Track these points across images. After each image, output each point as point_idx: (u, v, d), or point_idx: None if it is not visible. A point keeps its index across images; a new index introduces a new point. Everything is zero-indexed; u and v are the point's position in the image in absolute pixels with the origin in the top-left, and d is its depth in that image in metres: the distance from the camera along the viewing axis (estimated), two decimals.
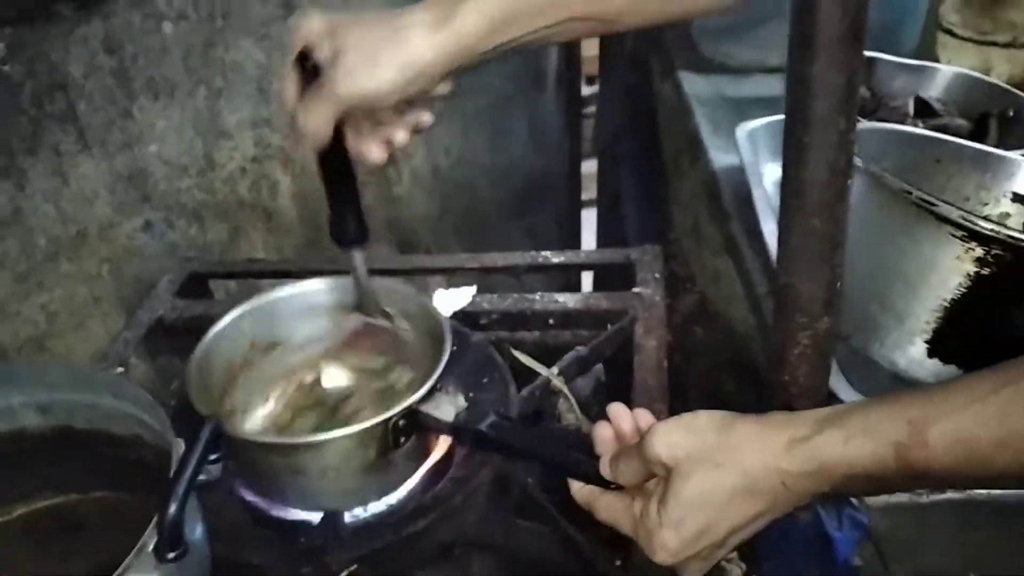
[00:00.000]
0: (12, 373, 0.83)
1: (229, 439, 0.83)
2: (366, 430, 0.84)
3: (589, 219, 2.39)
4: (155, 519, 0.61)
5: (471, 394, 0.88)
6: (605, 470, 0.75)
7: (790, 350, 0.69)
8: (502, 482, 0.93)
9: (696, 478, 0.67)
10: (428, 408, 0.87)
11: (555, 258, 1.24)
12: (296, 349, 1.01)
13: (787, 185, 0.61)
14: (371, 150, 0.81)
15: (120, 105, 1.25)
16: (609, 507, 0.74)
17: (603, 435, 0.78)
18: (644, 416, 0.78)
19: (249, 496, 0.93)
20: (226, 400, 0.98)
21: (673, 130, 1.56)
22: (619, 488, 0.75)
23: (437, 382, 0.88)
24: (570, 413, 1.05)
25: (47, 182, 1.19)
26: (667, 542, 0.68)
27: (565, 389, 1.04)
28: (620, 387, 1.08)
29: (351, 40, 0.72)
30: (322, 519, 0.90)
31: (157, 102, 1.29)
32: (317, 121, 0.74)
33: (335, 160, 0.82)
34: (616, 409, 0.80)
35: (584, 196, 2.44)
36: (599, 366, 1.17)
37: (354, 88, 0.73)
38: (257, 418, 1.01)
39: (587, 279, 1.95)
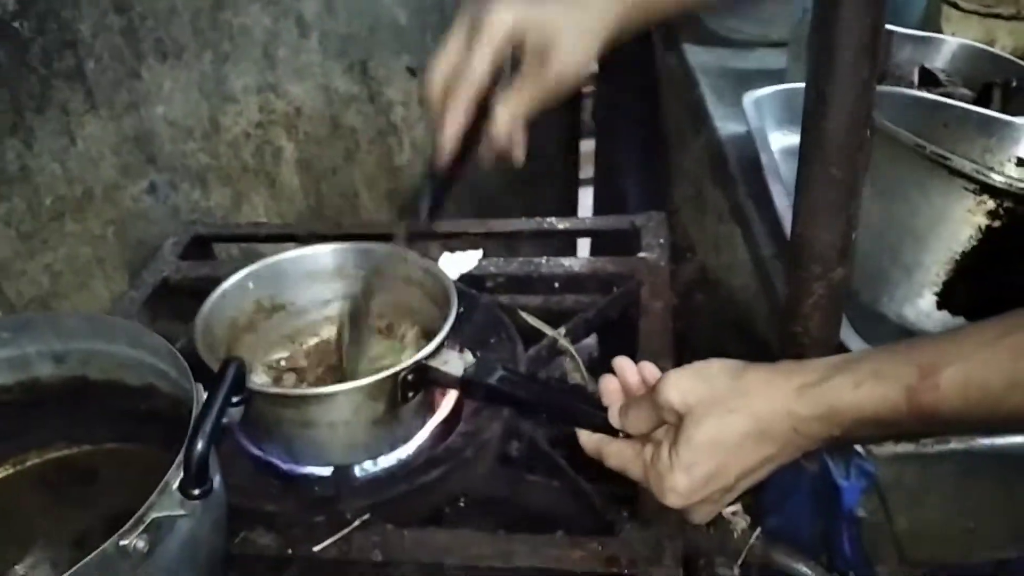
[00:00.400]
0: (28, 322, 0.83)
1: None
2: (375, 383, 0.85)
3: (586, 198, 2.40)
4: (181, 455, 0.62)
5: (479, 352, 0.89)
6: (614, 419, 0.76)
7: (804, 300, 0.70)
8: (510, 436, 0.95)
9: (708, 423, 0.68)
10: (437, 363, 0.87)
11: (559, 224, 1.25)
12: (301, 312, 1.01)
13: (808, 135, 0.62)
14: (520, 149, 0.79)
15: (128, 65, 1.24)
16: (619, 454, 0.75)
17: (609, 387, 0.78)
18: (649, 368, 0.79)
19: (259, 451, 0.94)
20: None
21: (676, 101, 1.57)
22: (628, 437, 0.76)
23: (445, 339, 0.89)
24: (575, 372, 1.06)
25: (55, 141, 1.19)
26: (678, 484, 0.69)
27: (572, 349, 1.05)
28: (623, 351, 1.10)
29: (558, 23, 0.72)
30: (333, 471, 0.91)
31: (164, 64, 1.29)
32: (519, 112, 0.74)
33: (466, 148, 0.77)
34: (621, 362, 0.81)
35: (582, 175, 2.44)
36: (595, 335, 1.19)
37: (571, 71, 0.73)
38: (261, 379, 1.02)
39: (583, 250, 1.96)
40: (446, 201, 0.86)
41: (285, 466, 0.93)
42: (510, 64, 0.75)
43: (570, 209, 2.31)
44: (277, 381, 0.98)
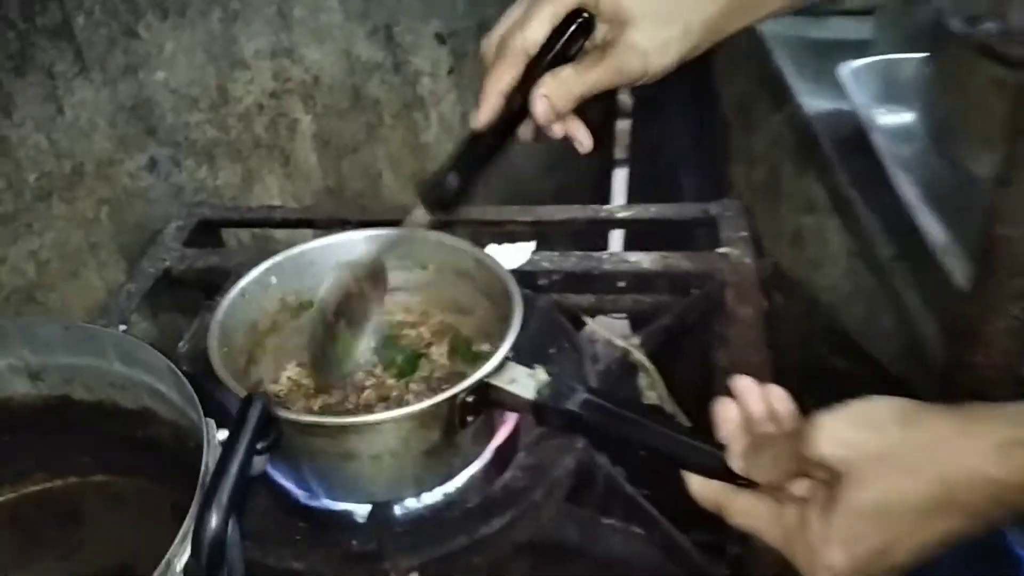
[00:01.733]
0: None
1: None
2: (429, 408, 0.69)
3: (619, 179, 2.23)
4: (186, 527, 0.46)
5: (553, 369, 0.73)
6: (736, 463, 0.60)
7: (992, 322, 0.54)
8: (583, 471, 0.79)
9: (877, 485, 0.53)
10: (502, 382, 0.72)
11: (621, 212, 1.09)
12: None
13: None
14: (583, 133, 0.70)
15: (123, 22, 1.08)
16: (749, 511, 0.60)
17: (727, 417, 0.64)
18: (778, 395, 0.64)
19: (283, 481, 0.78)
20: (251, 370, 0.83)
21: (741, 75, 1.40)
22: (749, 484, 0.60)
23: (511, 350, 0.73)
24: (651, 391, 0.90)
25: (38, 109, 1.03)
26: (835, 562, 0.54)
27: (648, 364, 0.89)
28: (685, 368, 0.94)
29: (637, 10, 0.63)
30: (371, 512, 0.75)
31: (166, 22, 1.12)
32: (567, 88, 0.64)
33: (503, 129, 0.67)
34: (743, 384, 0.65)
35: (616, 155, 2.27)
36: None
37: (637, 66, 0.64)
38: (289, 393, 0.86)
39: (614, 243, 1.78)
40: (475, 182, 0.71)
41: (314, 502, 0.78)
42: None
43: (602, 196, 2.14)
44: (307, 397, 0.82)
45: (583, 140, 0.69)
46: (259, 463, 0.52)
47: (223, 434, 0.54)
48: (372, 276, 0.80)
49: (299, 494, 0.79)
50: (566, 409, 0.68)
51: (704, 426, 0.86)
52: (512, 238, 1.06)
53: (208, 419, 0.56)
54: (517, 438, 0.82)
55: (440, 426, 0.71)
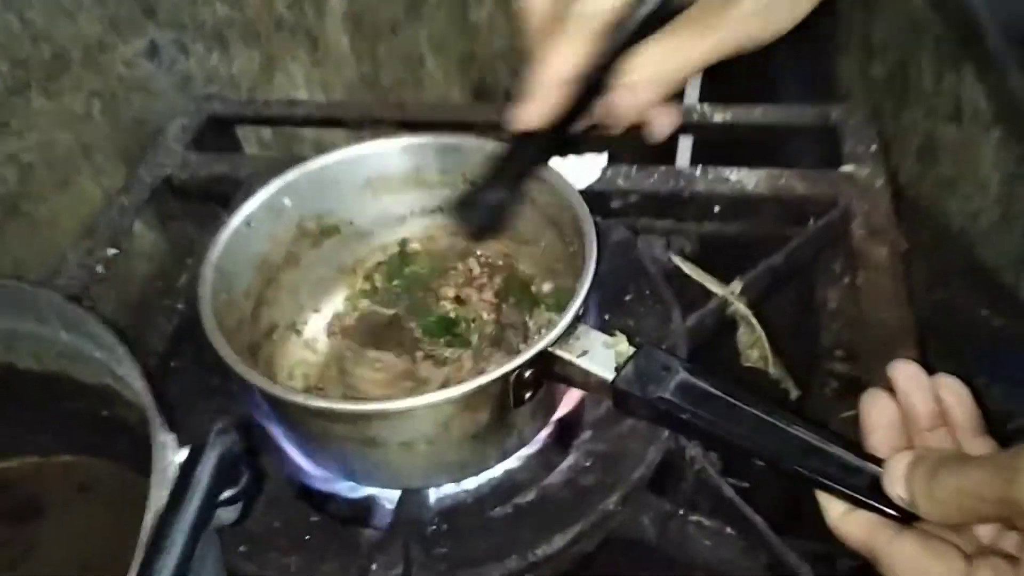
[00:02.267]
0: None
1: (269, 398, 0.52)
2: (476, 390, 0.52)
3: None
4: None
5: (637, 338, 0.55)
6: (897, 487, 0.44)
7: None
8: (664, 460, 0.62)
9: None
10: (571, 353, 0.54)
11: (716, 115, 0.87)
12: (363, 237, 0.73)
13: None
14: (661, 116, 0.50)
15: None
16: (917, 565, 0.43)
17: (880, 418, 0.47)
18: (952, 388, 0.47)
19: (295, 462, 0.63)
20: (262, 314, 0.67)
21: None
22: (909, 519, 0.44)
23: (582, 309, 0.55)
24: (752, 349, 0.72)
25: None
26: None
27: (751, 317, 0.71)
28: (815, 324, 0.75)
29: None
30: (400, 501, 0.60)
31: None
32: (668, 77, 0.47)
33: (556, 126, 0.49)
34: (906, 371, 0.48)
35: None
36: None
37: (759, 23, 0.47)
38: (308, 343, 0.70)
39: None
40: (519, 196, 0.55)
41: (329, 487, 0.63)
42: None
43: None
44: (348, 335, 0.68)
45: (660, 129, 0.50)
46: (228, 515, 0.36)
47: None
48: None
49: (313, 474, 0.64)
50: (658, 398, 0.51)
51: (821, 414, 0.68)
52: (573, 147, 0.86)
53: (169, 433, 0.40)
54: (583, 410, 0.66)
55: (489, 408, 0.55)
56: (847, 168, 0.79)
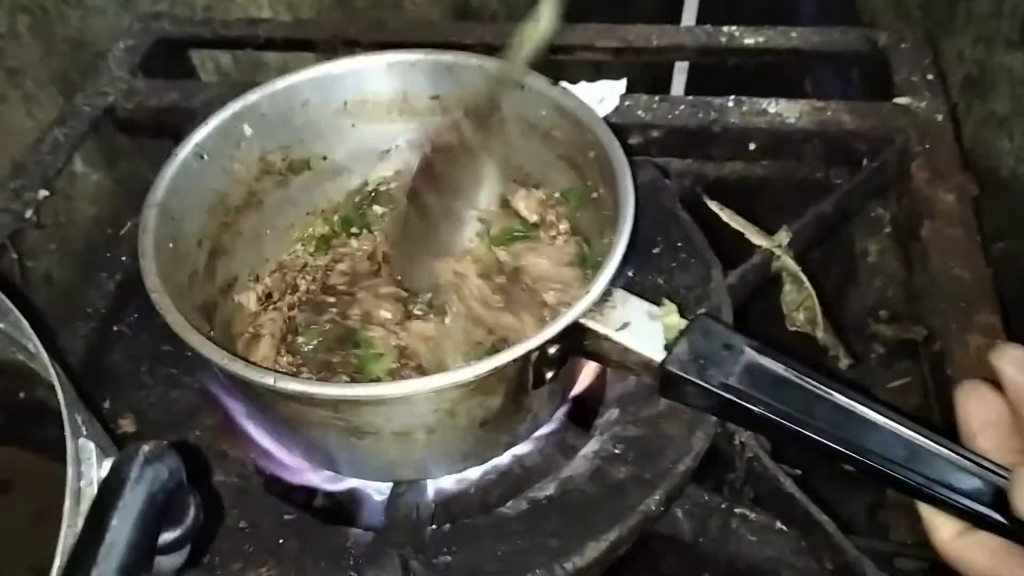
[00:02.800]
0: None
1: (233, 379, 0.42)
2: (492, 375, 0.42)
3: None
4: None
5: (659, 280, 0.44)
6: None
7: None
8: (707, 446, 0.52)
9: None
10: (607, 326, 0.44)
11: (746, 38, 0.76)
12: (339, 175, 0.62)
13: None
14: None
15: None
16: None
17: (987, 414, 0.40)
18: None
19: (263, 448, 0.53)
20: (218, 266, 0.56)
21: None
22: None
23: (618, 271, 0.44)
24: (799, 311, 0.62)
25: None
26: None
27: (800, 273, 0.60)
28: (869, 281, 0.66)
29: None
30: (392, 495, 0.50)
31: None
32: None
33: None
34: (1015, 356, 0.39)
35: None
36: None
37: None
38: (274, 300, 0.58)
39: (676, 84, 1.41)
40: None
41: (307, 477, 0.52)
42: None
43: (671, 12, 1.76)
44: (313, 308, 0.57)
45: None
46: (171, 562, 0.25)
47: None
48: (479, 121, 0.53)
49: (287, 463, 0.53)
50: (721, 385, 0.41)
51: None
52: (587, 73, 0.75)
53: (83, 441, 0.28)
54: (604, 382, 0.56)
55: (503, 391, 0.45)
56: (902, 100, 0.68)
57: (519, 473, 0.54)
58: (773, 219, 0.66)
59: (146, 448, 0.26)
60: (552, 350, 0.44)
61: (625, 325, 0.44)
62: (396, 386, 0.42)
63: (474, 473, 0.54)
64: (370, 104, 0.59)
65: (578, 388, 0.55)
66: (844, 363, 0.62)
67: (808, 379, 0.40)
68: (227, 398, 0.54)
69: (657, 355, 0.43)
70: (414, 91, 0.59)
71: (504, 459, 0.54)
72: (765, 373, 0.41)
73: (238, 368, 0.42)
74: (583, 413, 0.56)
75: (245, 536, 0.49)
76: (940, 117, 0.67)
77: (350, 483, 0.53)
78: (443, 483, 0.53)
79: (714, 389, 0.41)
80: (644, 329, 0.44)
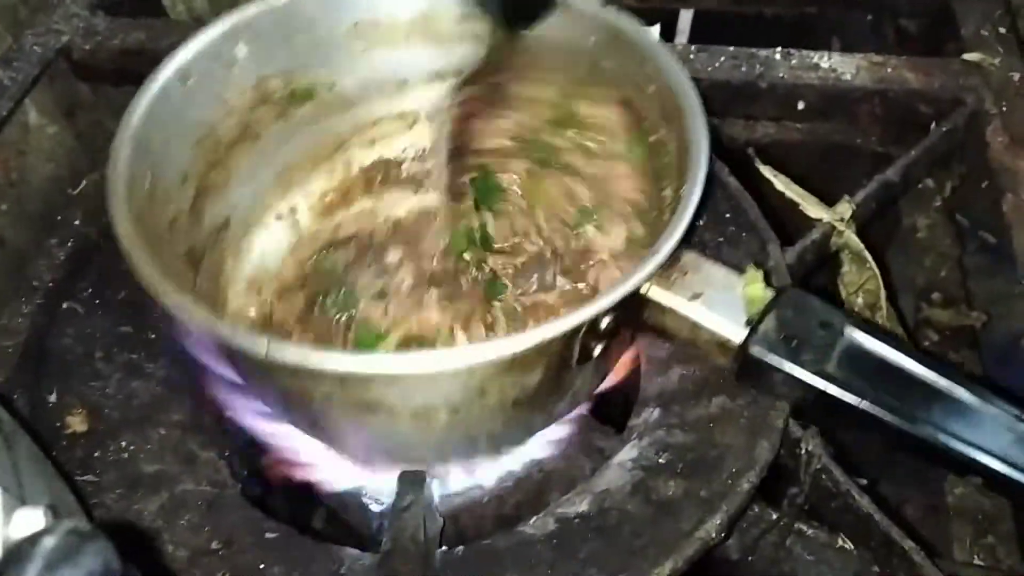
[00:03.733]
0: None
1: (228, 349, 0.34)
2: (534, 349, 0.34)
3: None
4: None
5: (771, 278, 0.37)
6: None
7: None
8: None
9: None
10: (676, 296, 0.36)
11: None
12: (348, 107, 0.54)
13: None
14: None
15: None
16: None
17: None
18: None
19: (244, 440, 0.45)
20: (205, 207, 0.48)
21: None
22: None
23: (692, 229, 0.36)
24: (858, 294, 0.54)
25: None
26: None
27: (865, 252, 0.52)
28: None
29: None
30: (395, 507, 0.42)
31: None
32: None
33: None
34: None
35: None
36: None
37: None
38: (274, 255, 0.50)
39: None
40: None
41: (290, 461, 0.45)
42: None
43: None
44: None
45: None
46: None
47: None
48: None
49: (271, 459, 0.45)
50: (819, 373, 0.33)
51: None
52: None
53: None
54: (638, 369, 0.48)
55: (543, 367, 0.37)
56: (972, 56, 0.60)
57: (539, 480, 0.47)
58: (823, 189, 0.59)
59: (51, 541, 0.17)
60: (606, 321, 0.36)
61: (697, 295, 0.36)
62: (421, 359, 0.34)
63: (487, 479, 0.46)
64: (386, 26, 0.51)
65: (610, 380, 0.47)
66: None
67: (925, 367, 0.33)
68: (211, 369, 0.46)
69: (737, 333, 0.35)
70: (437, 11, 0.51)
71: (515, 465, 0.46)
72: (870, 359, 0.33)
73: (227, 334, 0.33)
74: (612, 410, 0.48)
75: (219, 560, 0.40)
76: (1017, 76, 0.59)
77: (344, 486, 0.45)
78: (452, 490, 0.45)
79: (808, 377, 0.33)
80: (721, 301, 0.36)
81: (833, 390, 0.33)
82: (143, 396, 0.47)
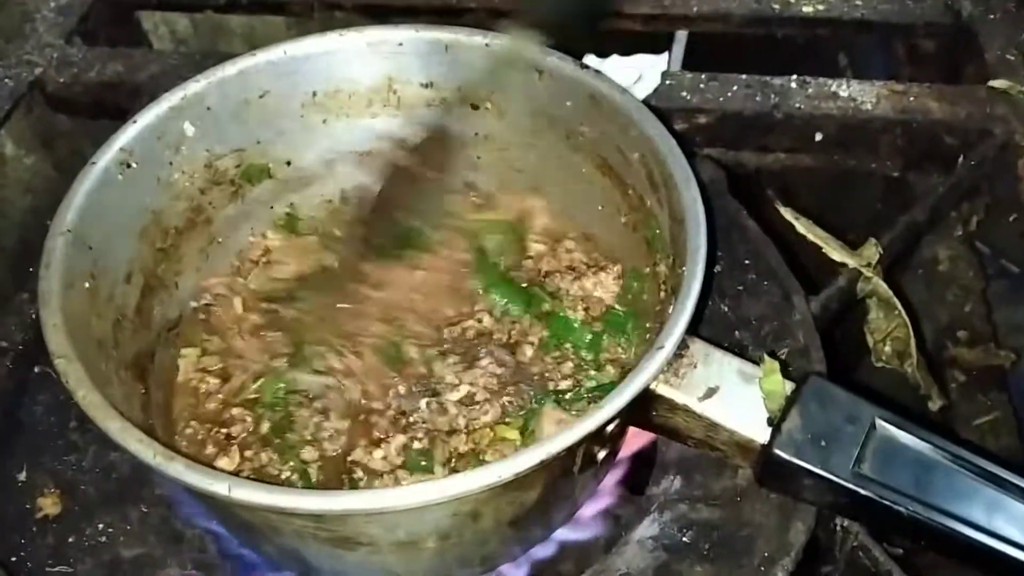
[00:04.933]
0: None
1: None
2: (536, 470, 0.31)
3: None
4: None
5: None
6: None
7: None
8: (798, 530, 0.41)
9: None
10: (687, 394, 0.33)
11: (804, 5, 0.65)
12: (306, 184, 0.50)
13: None
14: None
15: None
16: None
17: None
18: None
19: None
20: (153, 304, 0.45)
21: None
22: None
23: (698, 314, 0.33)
24: (886, 342, 0.51)
25: None
26: None
27: (894, 298, 0.49)
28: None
29: None
30: None
31: None
32: None
33: None
34: None
35: None
36: None
37: None
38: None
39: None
40: None
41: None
42: None
43: None
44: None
45: None
46: None
47: None
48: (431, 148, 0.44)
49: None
50: (854, 476, 0.30)
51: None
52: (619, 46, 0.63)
53: None
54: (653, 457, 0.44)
55: (542, 483, 0.34)
56: (999, 83, 0.57)
57: (551, 556, 0.43)
58: (841, 227, 0.55)
59: None
60: (611, 427, 0.32)
61: (712, 391, 0.33)
62: (403, 493, 0.30)
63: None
64: (345, 95, 0.48)
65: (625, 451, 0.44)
66: (936, 404, 0.52)
67: (967, 462, 0.29)
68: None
69: (760, 433, 0.31)
70: (402, 77, 0.48)
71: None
72: (907, 454, 0.30)
73: (181, 473, 0.30)
74: (630, 473, 0.45)
75: None
76: None
77: None
78: None
79: (843, 482, 0.30)
80: (737, 396, 0.33)
81: (872, 496, 0.29)
82: (122, 469, 0.44)
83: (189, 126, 0.44)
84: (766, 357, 0.34)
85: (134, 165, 0.42)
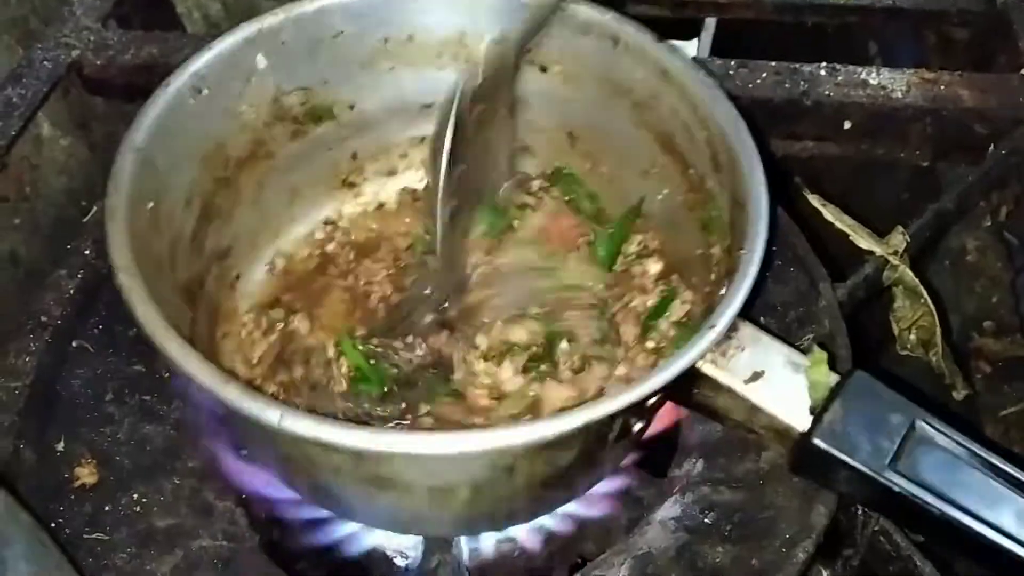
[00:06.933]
0: None
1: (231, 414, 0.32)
2: (574, 432, 0.31)
3: None
4: None
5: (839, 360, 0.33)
6: None
7: None
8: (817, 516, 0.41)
9: None
10: (732, 376, 0.33)
11: None
12: (368, 129, 0.51)
13: None
14: None
15: None
16: None
17: None
18: None
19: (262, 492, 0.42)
20: (207, 233, 0.45)
21: None
22: None
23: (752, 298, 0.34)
24: (911, 331, 0.51)
25: None
26: None
27: (920, 287, 0.49)
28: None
29: None
30: (426, 550, 0.40)
31: None
32: None
33: None
34: None
35: None
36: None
37: None
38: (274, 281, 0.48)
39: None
40: None
41: (315, 534, 0.42)
42: None
43: None
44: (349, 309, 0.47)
45: None
46: None
47: None
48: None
49: (291, 515, 0.43)
50: (889, 471, 0.30)
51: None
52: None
53: None
54: (678, 416, 0.45)
55: (577, 447, 0.34)
56: None
57: (572, 531, 0.44)
58: (868, 215, 0.55)
59: None
60: (652, 401, 0.33)
61: (757, 376, 0.33)
62: (450, 439, 0.31)
63: (519, 532, 0.43)
64: (416, 43, 0.48)
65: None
66: (961, 394, 0.52)
67: (1003, 471, 0.30)
68: (215, 426, 0.43)
69: (801, 421, 0.32)
70: (474, 31, 0.47)
71: (548, 520, 0.43)
72: (943, 457, 0.30)
73: (234, 398, 0.31)
74: (652, 456, 0.45)
75: None
76: None
77: (368, 542, 0.43)
78: (481, 545, 0.43)
79: (877, 476, 0.30)
80: (782, 383, 0.33)
81: (905, 493, 0.29)
82: (156, 441, 0.45)
83: (262, 59, 0.45)
84: (815, 347, 0.34)
85: (205, 91, 0.42)
